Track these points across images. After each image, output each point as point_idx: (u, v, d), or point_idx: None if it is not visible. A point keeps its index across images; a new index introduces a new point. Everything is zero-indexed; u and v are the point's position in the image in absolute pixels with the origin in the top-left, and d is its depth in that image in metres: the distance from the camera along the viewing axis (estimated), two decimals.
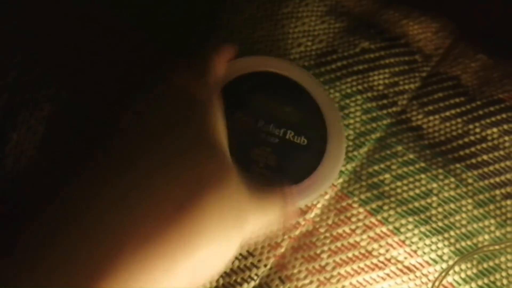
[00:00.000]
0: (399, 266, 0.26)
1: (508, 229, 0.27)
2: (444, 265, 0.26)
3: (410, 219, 0.27)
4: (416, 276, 0.26)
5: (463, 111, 0.30)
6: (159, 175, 0.18)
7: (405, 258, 0.27)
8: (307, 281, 0.26)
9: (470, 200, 0.28)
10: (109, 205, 0.17)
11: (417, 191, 0.28)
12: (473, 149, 0.29)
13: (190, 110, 0.21)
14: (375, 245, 0.27)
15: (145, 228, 0.16)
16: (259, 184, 0.22)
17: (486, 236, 0.27)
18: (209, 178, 0.18)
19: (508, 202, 0.28)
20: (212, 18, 0.32)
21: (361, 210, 0.27)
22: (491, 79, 0.32)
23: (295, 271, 0.26)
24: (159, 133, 0.19)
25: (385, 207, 0.28)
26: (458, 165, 0.29)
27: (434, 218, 0.27)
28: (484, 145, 0.29)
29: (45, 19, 0.33)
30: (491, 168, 0.29)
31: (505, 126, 0.30)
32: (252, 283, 0.26)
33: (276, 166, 0.25)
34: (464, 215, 0.27)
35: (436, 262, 0.26)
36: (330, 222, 0.27)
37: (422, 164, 0.29)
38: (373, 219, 0.27)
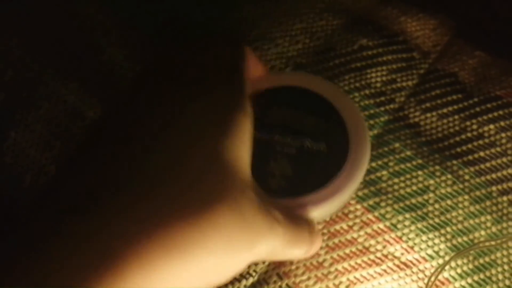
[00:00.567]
0: (396, 262, 0.27)
1: (504, 225, 0.27)
2: (441, 261, 0.27)
3: (407, 215, 0.28)
4: (412, 272, 0.26)
5: (460, 108, 0.31)
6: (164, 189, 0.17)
7: (402, 254, 0.27)
8: (304, 277, 0.26)
9: (466, 197, 0.28)
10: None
11: (414, 187, 0.28)
12: (470, 146, 0.29)
13: (217, 114, 0.19)
14: (372, 242, 0.27)
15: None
16: (285, 212, 0.21)
17: (483, 232, 0.27)
18: (219, 194, 0.17)
19: (505, 198, 0.28)
20: (209, 17, 0.33)
21: (358, 206, 0.28)
22: (488, 76, 0.32)
23: (293, 267, 0.27)
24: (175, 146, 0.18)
25: (382, 204, 0.28)
26: (455, 162, 0.29)
27: (430, 215, 0.28)
28: (481, 141, 0.29)
29: (42, 18, 0.33)
30: (487, 164, 0.29)
31: (502, 123, 0.30)
32: (251, 280, 0.26)
33: (293, 175, 0.24)
34: (460, 211, 0.28)
35: (432, 258, 0.27)
36: (327, 218, 0.28)
37: (419, 161, 0.29)
38: (370, 216, 0.28)
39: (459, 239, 0.27)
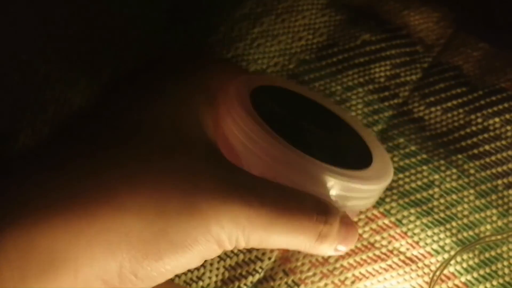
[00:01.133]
0: (401, 257, 0.27)
1: (510, 218, 0.27)
2: (446, 256, 0.27)
3: (412, 210, 0.28)
4: (418, 267, 0.27)
5: (464, 101, 0.30)
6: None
7: (407, 249, 0.27)
8: (310, 273, 0.27)
9: (472, 191, 0.28)
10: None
11: (419, 182, 0.28)
12: (475, 139, 0.29)
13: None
14: (378, 237, 0.27)
15: None
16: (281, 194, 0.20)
17: (488, 226, 0.27)
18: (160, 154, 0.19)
19: (510, 192, 0.28)
20: (211, 13, 0.33)
21: None
22: (493, 68, 0.32)
23: (299, 263, 0.27)
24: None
25: (387, 199, 0.28)
26: (460, 156, 0.29)
27: (436, 210, 0.28)
28: (486, 135, 0.29)
29: (47, 21, 0.33)
30: (493, 158, 0.29)
31: (507, 116, 0.30)
32: (257, 276, 0.27)
33: (335, 151, 0.22)
34: (466, 205, 0.28)
35: (438, 252, 0.27)
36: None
37: (424, 156, 0.29)
38: (375, 211, 0.28)
39: (465, 234, 0.27)
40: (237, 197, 0.18)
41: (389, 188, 0.28)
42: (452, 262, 0.26)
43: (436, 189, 0.28)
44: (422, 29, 0.33)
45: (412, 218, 0.27)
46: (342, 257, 0.27)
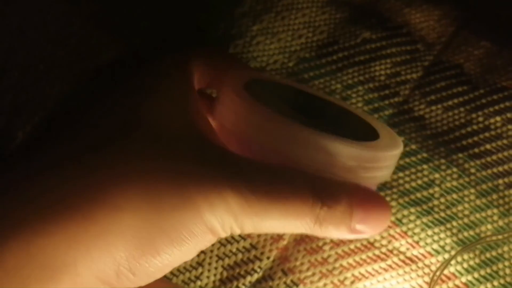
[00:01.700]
0: (401, 257, 0.27)
1: None
2: (447, 256, 0.26)
3: (412, 210, 0.27)
4: (418, 267, 0.26)
5: (466, 100, 0.30)
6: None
7: (407, 249, 0.27)
8: (309, 273, 0.26)
9: (472, 190, 0.28)
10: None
11: (419, 181, 0.28)
12: (476, 138, 0.29)
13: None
14: (377, 237, 0.27)
15: None
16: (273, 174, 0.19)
17: (489, 226, 0.27)
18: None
19: None
20: (211, 11, 0.32)
21: None
22: (494, 66, 0.31)
23: (298, 263, 0.27)
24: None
25: (387, 198, 0.28)
26: (460, 155, 0.29)
27: (436, 209, 0.27)
28: (487, 134, 0.29)
29: (47, 18, 0.33)
30: (494, 157, 0.28)
31: (509, 115, 0.29)
32: (256, 276, 0.27)
33: (344, 127, 0.21)
34: (466, 205, 0.27)
35: (438, 252, 0.26)
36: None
37: (425, 155, 0.29)
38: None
39: (465, 234, 0.27)
40: (229, 186, 0.18)
41: (389, 187, 0.28)
42: (453, 262, 0.26)
43: (437, 188, 0.28)
44: (423, 27, 0.33)
45: (412, 217, 0.27)
46: (341, 256, 0.27)
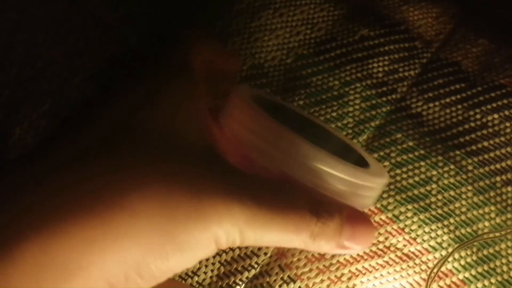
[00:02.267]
0: (398, 253, 0.27)
1: (509, 215, 0.27)
2: (444, 253, 0.26)
3: (410, 206, 0.27)
4: (415, 264, 0.26)
5: (463, 97, 0.30)
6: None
7: (404, 245, 0.27)
8: (306, 269, 0.26)
9: (470, 187, 0.28)
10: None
11: (417, 178, 0.28)
12: (473, 135, 0.29)
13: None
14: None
15: None
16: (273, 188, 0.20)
17: (486, 223, 0.27)
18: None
19: (509, 188, 0.28)
20: (209, 8, 0.32)
21: None
22: (492, 64, 0.31)
23: (295, 259, 0.27)
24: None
25: (384, 195, 0.28)
26: (458, 152, 0.29)
27: (433, 206, 0.27)
28: (484, 131, 0.29)
29: (45, 14, 0.33)
30: (491, 154, 0.28)
31: (506, 112, 0.29)
32: (253, 271, 0.26)
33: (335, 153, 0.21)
34: (463, 202, 0.27)
35: (435, 249, 0.26)
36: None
37: (422, 152, 0.29)
38: (371, 207, 0.27)
39: (463, 230, 0.27)
40: (237, 200, 0.19)
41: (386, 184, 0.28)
42: (450, 259, 0.26)
43: (434, 185, 0.28)
44: (421, 24, 0.33)
45: (409, 214, 0.27)
46: None
